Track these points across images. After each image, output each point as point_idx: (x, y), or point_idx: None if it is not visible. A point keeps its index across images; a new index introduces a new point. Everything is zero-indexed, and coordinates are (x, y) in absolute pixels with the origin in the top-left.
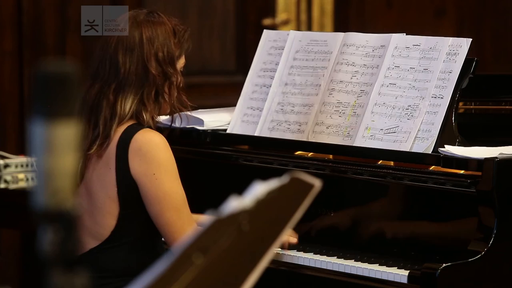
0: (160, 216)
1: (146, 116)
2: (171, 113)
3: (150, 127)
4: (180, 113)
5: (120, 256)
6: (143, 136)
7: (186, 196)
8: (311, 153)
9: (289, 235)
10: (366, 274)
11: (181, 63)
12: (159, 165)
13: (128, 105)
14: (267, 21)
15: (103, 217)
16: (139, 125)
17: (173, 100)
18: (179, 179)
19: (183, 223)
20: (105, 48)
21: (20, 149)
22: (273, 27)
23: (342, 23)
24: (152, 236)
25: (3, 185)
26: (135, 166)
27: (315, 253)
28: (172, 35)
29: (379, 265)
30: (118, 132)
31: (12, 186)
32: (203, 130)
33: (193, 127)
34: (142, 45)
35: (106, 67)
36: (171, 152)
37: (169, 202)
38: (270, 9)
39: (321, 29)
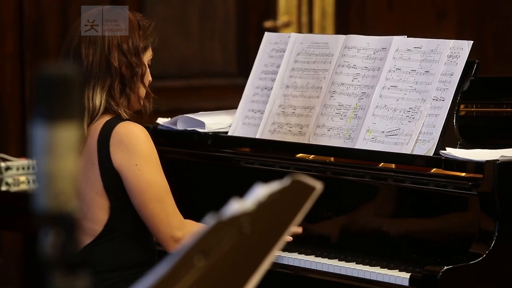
0: (144, 208)
1: (119, 110)
2: (141, 107)
3: (129, 120)
4: (149, 107)
5: (115, 250)
6: (124, 128)
7: (184, 196)
8: (312, 156)
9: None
10: (367, 276)
11: (148, 56)
12: (141, 156)
13: (97, 99)
14: (268, 24)
15: (94, 212)
16: (118, 118)
17: (139, 92)
18: (162, 170)
19: (167, 214)
20: (69, 42)
21: (22, 152)
22: (274, 29)
23: (343, 26)
24: (145, 228)
25: (4, 188)
26: (117, 158)
27: (316, 256)
28: (136, 28)
29: (380, 267)
30: (97, 127)
31: (13, 189)
32: (204, 133)
33: (194, 130)
34: (104, 37)
35: (70, 62)
36: (152, 143)
37: (152, 193)
38: (271, 11)
39: (322, 31)
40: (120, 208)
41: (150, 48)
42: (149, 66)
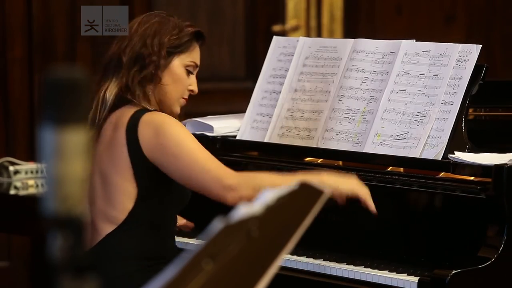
0: (186, 176)
1: (137, 100)
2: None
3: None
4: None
5: (136, 239)
6: (151, 115)
7: (192, 200)
8: (320, 160)
9: None
10: (375, 280)
11: (185, 60)
12: (167, 134)
13: (111, 90)
14: (276, 28)
15: (120, 200)
16: (146, 110)
17: (158, 88)
18: (193, 139)
19: (209, 170)
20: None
21: (30, 156)
22: (282, 33)
23: (351, 30)
24: (166, 221)
25: (13, 192)
26: (146, 142)
27: (324, 260)
28: (171, 27)
29: (388, 271)
30: (125, 117)
31: (22, 193)
32: (213, 137)
33: (202, 133)
34: (133, 35)
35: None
36: (180, 125)
37: (186, 158)
38: (279, 15)
39: (331, 35)
40: (146, 197)
41: (191, 54)
42: (190, 73)
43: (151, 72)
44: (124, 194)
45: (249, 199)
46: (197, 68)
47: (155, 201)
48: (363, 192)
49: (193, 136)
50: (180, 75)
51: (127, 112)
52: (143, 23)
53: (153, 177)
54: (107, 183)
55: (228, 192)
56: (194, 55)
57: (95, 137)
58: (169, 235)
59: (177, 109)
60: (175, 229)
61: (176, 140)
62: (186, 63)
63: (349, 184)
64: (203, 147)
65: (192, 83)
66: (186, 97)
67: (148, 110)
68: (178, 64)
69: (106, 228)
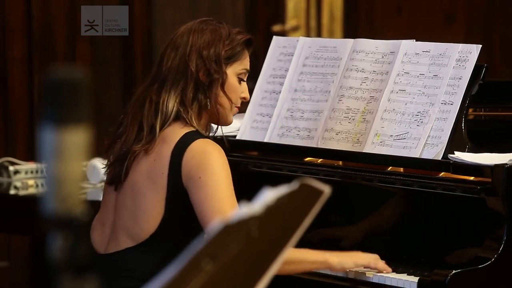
0: (203, 219)
1: (188, 117)
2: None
3: (209, 137)
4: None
5: (153, 262)
6: (199, 145)
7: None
8: (320, 160)
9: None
10: (375, 280)
11: (237, 68)
12: (207, 170)
13: (170, 103)
14: (276, 28)
15: (146, 219)
16: (197, 133)
17: (218, 101)
18: (231, 186)
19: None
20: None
21: (30, 156)
22: (282, 33)
23: (351, 30)
24: (184, 249)
25: (13, 191)
26: (186, 172)
27: None
28: (224, 37)
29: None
30: (174, 137)
31: (22, 192)
32: (213, 136)
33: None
34: (187, 43)
35: (155, 67)
36: (225, 160)
37: (212, 204)
38: (279, 15)
39: (331, 35)
40: (171, 223)
41: (242, 62)
42: (241, 80)
43: (211, 84)
44: (151, 214)
45: None
46: (247, 74)
47: (178, 227)
48: (368, 261)
49: (229, 174)
50: (234, 85)
51: (178, 131)
52: (196, 31)
53: (182, 204)
54: (138, 194)
55: None
56: (245, 63)
57: (145, 146)
58: None
59: (231, 119)
60: None
61: (214, 180)
62: (238, 71)
63: (352, 259)
64: (233, 191)
65: (244, 90)
66: (239, 105)
67: (199, 135)
68: (231, 73)
69: (126, 242)
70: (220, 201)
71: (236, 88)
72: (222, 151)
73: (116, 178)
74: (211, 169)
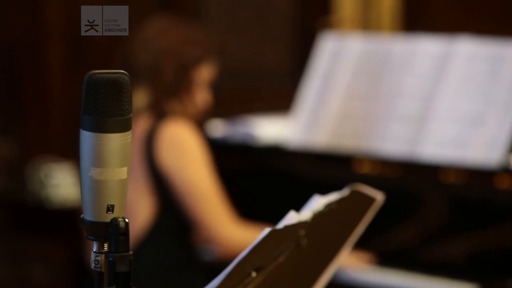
0: (190, 208)
1: (168, 108)
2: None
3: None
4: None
5: (155, 252)
6: (170, 128)
7: (240, 208)
8: (374, 165)
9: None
10: None
11: (203, 72)
12: (187, 156)
13: (139, 100)
14: (326, 23)
15: (138, 212)
16: (163, 116)
17: (190, 101)
18: (208, 169)
19: (215, 214)
20: (128, 47)
21: (69, 159)
22: (333, 29)
23: (408, 23)
24: (185, 233)
25: (50, 200)
26: (163, 158)
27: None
28: (190, 39)
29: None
30: (142, 127)
31: (60, 201)
32: (260, 142)
33: (249, 136)
34: (157, 44)
35: (121, 60)
36: (197, 141)
37: (197, 193)
38: (330, 10)
39: (385, 30)
40: (164, 210)
41: (211, 63)
42: (208, 81)
43: (179, 87)
44: (141, 207)
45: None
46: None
47: (174, 212)
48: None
49: (205, 158)
50: (196, 86)
51: (142, 120)
52: (165, 31)
53: (168, 190)
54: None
55: (222, 241)
56: (213, 65)
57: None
58: (190, 244)
59: (196, 119)
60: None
61: (193, 169)
62: (205, 76)
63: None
64: (212, 180)
65: (209, 92)
66: (206, 107)
67: (165, 117)
68: (194, 75)
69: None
70: (206, 189)
71: (201, 91)
72: (191, 129)
73: None
74: (191, 156)
